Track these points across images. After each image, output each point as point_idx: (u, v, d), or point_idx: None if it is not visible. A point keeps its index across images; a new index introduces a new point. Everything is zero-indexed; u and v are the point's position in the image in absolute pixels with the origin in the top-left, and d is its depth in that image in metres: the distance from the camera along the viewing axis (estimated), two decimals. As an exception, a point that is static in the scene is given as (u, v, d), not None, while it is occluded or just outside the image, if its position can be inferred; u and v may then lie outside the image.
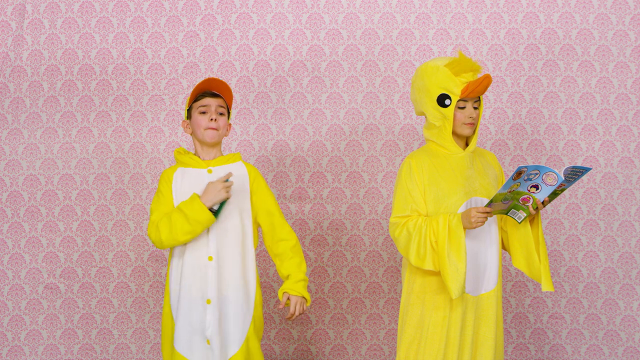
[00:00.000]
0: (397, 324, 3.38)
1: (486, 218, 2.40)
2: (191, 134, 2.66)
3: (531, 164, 3.41)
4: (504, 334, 3.10)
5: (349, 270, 3.47)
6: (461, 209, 2.47)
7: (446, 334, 2.47)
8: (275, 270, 3.44)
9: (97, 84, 3.51)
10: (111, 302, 3.50)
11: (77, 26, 3.51)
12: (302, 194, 3.48)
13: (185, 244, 2.54)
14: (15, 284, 3.50)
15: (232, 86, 3.45)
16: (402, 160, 2.93)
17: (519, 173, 2.28)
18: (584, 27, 3.43)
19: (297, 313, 2.57)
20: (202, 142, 2.61)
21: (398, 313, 2.91)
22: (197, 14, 3.49)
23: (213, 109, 2.59)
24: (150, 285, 3.48)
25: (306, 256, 3.42)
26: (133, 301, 3.49)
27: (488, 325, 2.51)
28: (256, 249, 2.63)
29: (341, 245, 3.47)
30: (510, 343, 3.45)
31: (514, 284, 3.45)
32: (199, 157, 2.63)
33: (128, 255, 3.49)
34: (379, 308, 3.47)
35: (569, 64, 3.43)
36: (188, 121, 2.64)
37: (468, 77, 2.47)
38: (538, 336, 3.45)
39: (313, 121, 3.48)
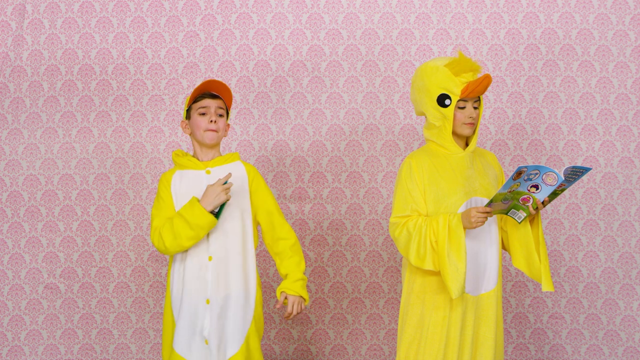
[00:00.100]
0: (397, 324, 3.38)
1: (486, 218, 2.40)
2: (190, 135, 2.66)
3: (531, 164, 3.41)
4: (504, 334, 3.10)
5: (349, 270, 3.47)
6: (461, 209, 2.47)
7: (446, 334, 2.47)
8: (275, 270, 3.44)
9: (97, 84, 3.51)
10: (111, 302, 3.50)
11: (77, 26, 3.52)
12: (302, 194, 3.48)
13: (188, 249, 2.55)
14: (15, 284, 3.50)
15: (232, 86, 3.45)
16: (402, 160, 2.93)
17: (519, 173, 2.28)
18: (584, 27, 3.43)
19: (294, 312, 2.58)
20: (202, 144, 2.62)
21: (398, 313, 2.91)
22: (197, 14, 3.49)
23: (213, 110, 2.58)
24: (150, 285, 3.48)
25: (306, 256, 3.42)
26: (133, 301, 3.49)
27: (488, 325, 2.51)
28: (256, 249, 2.63)
29: (341, 245, 3.47)
30: (510, 343, 3.45)
31: (514, 284, 3.45)
32: (198, 157, 2.64)
33: (128, 255, 3.49)
34: (379, 308, 3.47)
35: (569, 64, 3.43)
36: (187, 121, 2.64)
37: (468, 77, 2.47)
38: (538, 336, 3.45)
39: (313, 121, 3.48)
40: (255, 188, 2.64)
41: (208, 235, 2.54)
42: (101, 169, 3.50)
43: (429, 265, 2.44)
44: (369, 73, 3.47)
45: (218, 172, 2.59)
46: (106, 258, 3.49)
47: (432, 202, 2.49)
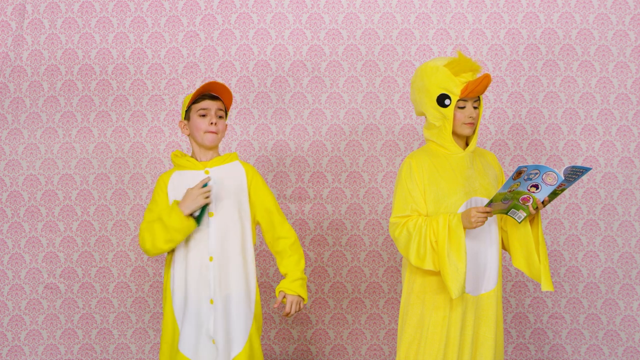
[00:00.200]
0: (397, 324, 3.38)
1: (486, 218, 2.39)
2: (188, 135, 2.66)
3: (531, 163, 3.41)
4: (504, 334, 3.10)
5: (349, 270, 3.47)
6: (461, 209, 2.47)
7: (446, 334, 2.47)
8: (275, 270, 3.44)
9: (97, 84, 3.51)
10: (111, 302, 3.50)
11: (77, 26, 3.52)
12: (302, 194, 3.48)
13: (167, 251, 2.55)
14: (15, 284, 3.50)
15: (232, 86, 3.45)
16: (402, 160, 2.93)
17: (519, 173, 2.28)
18: (584, 27, 3.43)
19: (292, 312, 2.58)
20: (201, 145, 2.62)
21: (398, 313, 2.91)
22: (197, 14, 3.49)
23: (213, 112, 2.58)
24: (150, 285, 3.48)
25: (306, 256, 3.42)
26: (133, 301, 3.49)
27: (488, 325, 2.51)
28: (255, 249, 2.63)
29: (341, 245, 3.47)
30: (510, 343, 3.45)
31: (514, 284, 3.45)
32: (196, 158, 2.64)
33: (128, 255, 3.49)
34: (379, 308, 3.47)
35: (569, 64, 3.43)
36: (186, 122, 2.64)
37: (467, 77, 2.47)
38: (538, 336, 3.44)
39: (313, 121, 3.48)
40: (254, 188, 2.64)
41: (208, 235, 2.54)
42: (101, 169, 3.50)
43: (429, 265, 2.44)
44: (369, 73, 3.47)
45: (217, 172, 2.60)
46: (106, 258, 3.49)
47: (432, 202, 2.49)
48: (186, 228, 2.48)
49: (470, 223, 2.39)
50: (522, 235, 2.49)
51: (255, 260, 3.28)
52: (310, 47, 3.48)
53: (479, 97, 2.52)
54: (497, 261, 2.53)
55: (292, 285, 2.59)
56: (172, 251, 2.58)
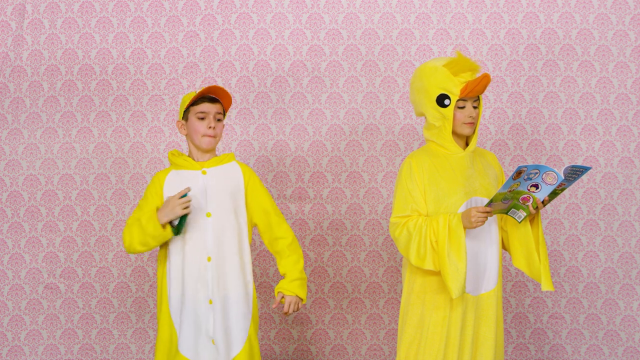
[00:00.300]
0: (397, 324, 3.38)
1: (486, 218, 2.39)
2: (185, 135, 2.65)
3: (531, 163, 3.41)
4: (504, 334, 3.09)
5: (349, 270, 3.47)
6: (461, 209, 2.47)
7: (446, 334, 2.47)
8: (275, 270, 3.44)
9: (97, 84, 3.51)
10: (111, 302, 3.50)
11: (77, 26, 3.52)
12: (302, 194, 3.48)
13: (143, 252, 2.56)
14: (15, 284, 3.50)
15: (232, 86, 3.45)
16: (402, 160, 2.93)
17: (518, 172, 2.28)
18: (584, 27, 3.43)
19: (291, 312, 2.59)
20: (198, 147, 2.61)
21: (398, 313, 2.91)
22: (197, 14, 3.49)
23: (212, 116, 2.58)
24: (150, 285, 3.48)
25: (306, 256, 3.42)
26: (133, 301, 3.49)
27: (488, 325, 2.51)
28: (255, 249, 2.63)
29: (341, 245, 3.47)
30: (510, 343, 3.45)
31: (514, 284, 3.45)
32: (193, 158, 2.63)
33: (128, 255, 3.49)
34: (379, 308, 3.47)
35: (569, 64, 3.43)
36: (183, 122, 2.63)
37: (467, 77, 2.47)
38: (538, 336, 3.44)
39: (313, 121, 3.48)
40: (251, 189, 2.64)
41: (206, 236, 2.54)
42: (101, 169, 3.50)
43: (429, 265, 2.44)
44: (369, 73, 3.47)
45: (214, 172, 2.60)
46: (106, 258, 3.49)
47: (432, 202, 2.49)
48: (160, 236, 2.48)
49: (470, 223, 2.39)
50: (522, 235, 2.49)
51: (255, 260, 3.28)
52: (310, 47, 3.48)
53: (478, 96, 2.52)
54: (497, 261, 2.53)
55: (290, 285, 2.59)
56: (165, 246, 2.58)
